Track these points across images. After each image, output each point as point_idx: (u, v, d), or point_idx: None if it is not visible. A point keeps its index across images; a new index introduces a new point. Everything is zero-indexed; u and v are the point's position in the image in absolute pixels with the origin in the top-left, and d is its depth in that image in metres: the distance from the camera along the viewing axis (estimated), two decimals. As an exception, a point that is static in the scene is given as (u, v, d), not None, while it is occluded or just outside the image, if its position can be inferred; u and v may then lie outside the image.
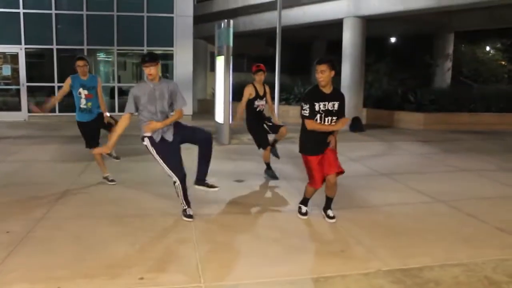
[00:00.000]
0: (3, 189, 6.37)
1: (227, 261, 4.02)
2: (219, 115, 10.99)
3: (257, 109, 6.83)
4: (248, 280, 3.63)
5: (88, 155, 8.44)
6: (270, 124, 7.00)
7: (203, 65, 21.28)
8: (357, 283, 3.61)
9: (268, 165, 7.11)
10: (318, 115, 4.74)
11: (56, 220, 5.07)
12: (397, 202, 5.98)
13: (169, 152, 4.97)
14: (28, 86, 15.10)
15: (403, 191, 6.57)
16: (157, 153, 4.96)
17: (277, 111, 12.03)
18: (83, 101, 6.39)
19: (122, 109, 5.38)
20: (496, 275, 3.78)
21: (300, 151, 5.04)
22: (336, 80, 15.36)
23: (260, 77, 6.74)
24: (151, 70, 4.82)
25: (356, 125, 13.53)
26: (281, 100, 12.78)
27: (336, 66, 4.74)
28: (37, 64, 15.96)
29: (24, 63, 14.94)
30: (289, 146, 8.41)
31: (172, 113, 5.14)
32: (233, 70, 10.64)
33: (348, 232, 4.79)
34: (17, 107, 15.26)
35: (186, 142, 5.16)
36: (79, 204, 5.71)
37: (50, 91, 15.17)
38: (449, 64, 19.23)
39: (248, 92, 6.76)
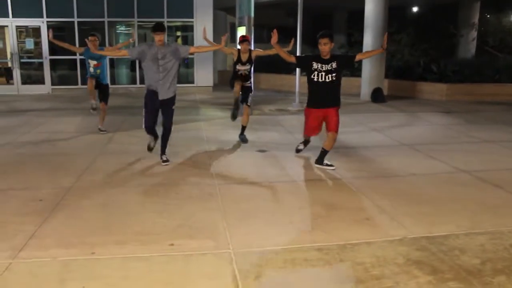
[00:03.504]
0: (31, 159, 6.54)
1: (254, 228, 4.10)
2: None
3: (239, 73, 7.57)
4: (275, 247, 3.70)
5: (112, 127, 8.62)
6: (244, 93, 7.65)
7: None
8: (383, 250, 3.66)
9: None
10: (316, 72, 5.87)
11: (84, 189, 5.19)
12: (420, 172, 5.97)
13: (150, 105, 6.12)
14: (50, 59, 15.26)
15: (425, 161, 6.55)
16: (145, 98, 6.16)
17: (298, 82, 12.00)
18: (91, 69, 8.23)
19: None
20: (522, 243, 3.79)
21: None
22: (358, 50, 15.20)
23: (244, 47, 7.44)
24: (161, 37, 5.88)
25: (377, 96, 13.41)
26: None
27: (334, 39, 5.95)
28: (59, 37, 15.97)
29: (46, 36, 14.99)
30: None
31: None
32: (254, 41, 10.58)
33: (372, 201, 4.83)
34: (41, 80, 15.45)
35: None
36: (105, 174, 5.83)
37: (72, 64, 15.35)
38: (474, 33, 18.75)
39: (231, 51, 7.76)
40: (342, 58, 6.08)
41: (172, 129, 6.33)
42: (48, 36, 8.77)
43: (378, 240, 3.85)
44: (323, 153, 6.09)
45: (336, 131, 5.98)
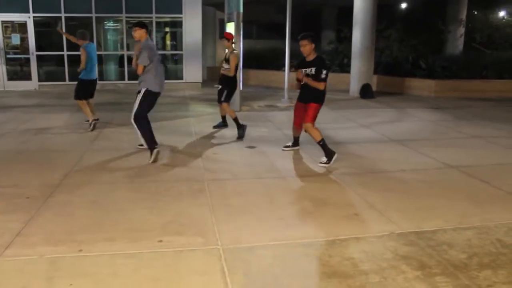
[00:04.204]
0: (18, 155, 6.48)
1: (243, 224, 4.10)
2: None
3: (221, 71, 7.98)
4: (264, 242, 3.71)
5: (100, 123, 8.56)
6: (219, 89, 8.01)
7: (212, 32, 21.03)
8: (371, 245, 3.68)
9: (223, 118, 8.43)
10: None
11: (73, 186, 5.15)
12: (409, 168, 6.00)
13: None
14: (37, 55, 15.09)
15: (414, 157, 6.59)
16: None
17: (287, 77, 12.00)
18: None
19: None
20: (509, 238, 3.83)
21: None
22: (347, 46, 15.24)
23: (223, 43, 7.99)
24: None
25: (366, 92, 13.46)
26: (291, 67, 12.69)
27: (315, 39, 6.20)
28: (46, 33, 15.88)
29: (33, 32, 14.87)
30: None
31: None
32: (243, 37, 10.57)
33: (361, 197, 4.85)
34: (27, 76, 15.28)
35: None
36: (93, 170, 5.80)
37: (60, 60, 15.20)
38: (461, 30, 18.87)
39: (235, 59, 7.90)
40: (316, 69, 5.99)
41: (142, 124, 6.20)
42: (59, 28, 9.61)
43: (366, 235, 3.87)
44: (321, 145, 6.06)
45: (307, 121, 6.07)
